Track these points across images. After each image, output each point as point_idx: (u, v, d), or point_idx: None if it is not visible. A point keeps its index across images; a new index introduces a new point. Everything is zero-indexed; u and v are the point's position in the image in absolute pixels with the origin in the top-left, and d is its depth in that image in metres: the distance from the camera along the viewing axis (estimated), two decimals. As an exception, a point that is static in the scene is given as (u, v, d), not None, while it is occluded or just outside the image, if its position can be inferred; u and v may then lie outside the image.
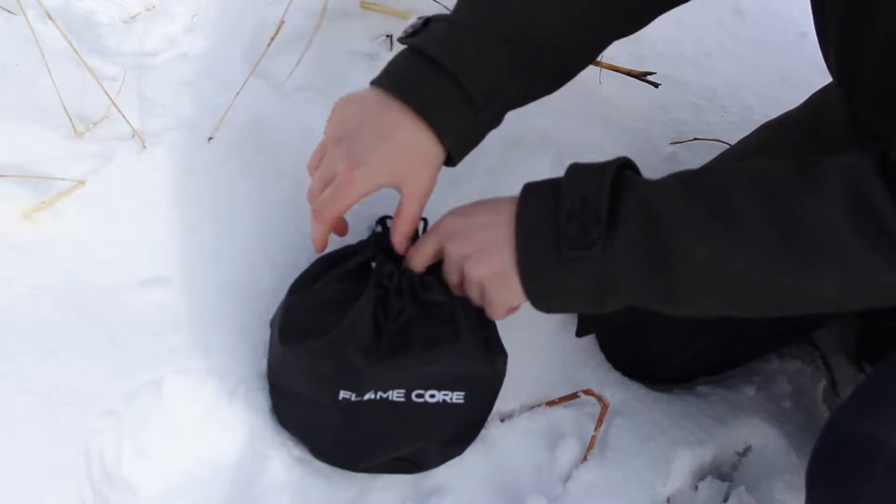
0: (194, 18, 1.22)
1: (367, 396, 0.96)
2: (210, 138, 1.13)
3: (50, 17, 1.10)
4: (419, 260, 0.94)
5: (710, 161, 1.24)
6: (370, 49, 1.34)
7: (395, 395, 0.96)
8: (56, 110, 1.08)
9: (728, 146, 1.32)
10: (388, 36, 1.36)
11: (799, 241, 0.78)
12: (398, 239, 0.95)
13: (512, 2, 0.92)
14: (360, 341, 0.94)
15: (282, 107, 1.20)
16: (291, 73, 1.20)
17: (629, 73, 1.38)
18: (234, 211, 1.12)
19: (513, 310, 0.94)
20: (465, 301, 0.95)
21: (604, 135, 1.37)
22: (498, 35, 0.90)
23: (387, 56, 1.34)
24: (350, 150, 0.90)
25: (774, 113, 1.22)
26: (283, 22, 1.18)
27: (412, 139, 0.90)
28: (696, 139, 1.40)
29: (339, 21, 1.30)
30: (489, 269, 0.89)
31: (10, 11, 1.14)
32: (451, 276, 0.94)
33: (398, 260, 0.96)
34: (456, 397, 0.98)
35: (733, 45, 1.52)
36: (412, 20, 0.94)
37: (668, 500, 1.13)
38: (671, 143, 1.40)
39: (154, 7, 1.24)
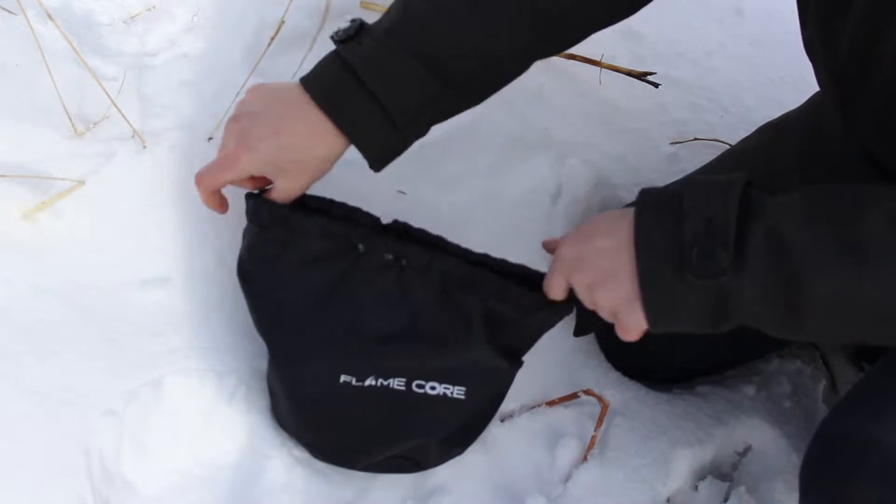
0: (194, 18, 1.22)
1: (367, 382, 0.96)
2: (210, 138, 1.13)
3: (50, 17, 1.10)
4: (556, 294, 0.92)
5: (710, 161, 1.24)
6: (370, 49, 1.34)
7: (396, 382, 0.96)
8: (56, 110, 1.08)
9: (728, 146, 1.32)
10: (388, 36, 1.36)
11: None
12: None
13: (434, 22, 0.94)
14: (367, 324, 0.94)
15: (282, 107, 1.20)
16: (295, 73, 1.20)
17: (629, 73, 1.38)
18: (235, 211, 1.12)
19: (647, 332, 0.89)
20: (490, 312, 0.95)
21: (604, 135, 1.37)
22: (422, 58, 0.92)
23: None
24: (245, 131, 0.94)
25: (774, 113, 1.22)
26: (283, 22, 1.18)
27: (320, 137, 0.93)
28: (696, 139, 1.40)
29: (340, 21, 1.29)
30: (614, 298, 0.85)
31: (10, 11, 1.14)
32: (587, 303, 0.90)
33: (429, 247, 0.96)
34: (457, 392, 0.98)
35: (733, 45, 1.52)
36: (346, 22, 0.95)
37: (668, 500, 1.13)
38: (671, 143, 1.40)
39: (154, 7, 1.24)
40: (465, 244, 1.08)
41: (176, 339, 1.03)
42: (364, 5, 1.32)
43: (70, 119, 1.08)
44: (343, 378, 0.96)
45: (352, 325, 0.95)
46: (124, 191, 1.08)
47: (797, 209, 0.79)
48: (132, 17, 1.23)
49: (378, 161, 0.96)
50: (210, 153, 1.13)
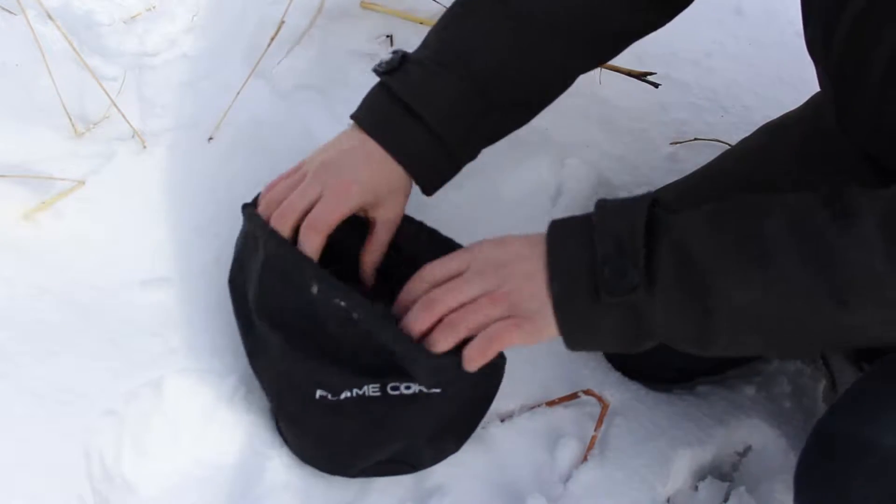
0: (194, 18, 1.23)
1: (343, 395, 0.96)
2: (210, 138, 1.13)
3: (50, 17, 1.10)
4: (440, 273, 0.90)
5: (710, 161, 1.24)
6: (370, 49, 1.34)
7: (371, 390, 0.95)
8: (56, 110, 1.08)
9: (728, 146, 1.32)
10: (388, 36, 1.36)
11: (836, 281, 0.76)
12: (369, 266, 0.98)
13: (472, 43, 0.96)
14: (333, 343, 0.92)
15: (282, 107, 1.20)
16: (279, 62, 1.20)
17: (629, 73, 1.38)
18: (235, 211, 1.12)
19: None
20: None
21: (604, 135, 1.37)
22: (466, 79, 0.94)
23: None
24: (336, 171, 0.94)
25: (774, 113, 1.22)
26: (283, 22, 1.18)
27: (387, 170, 0.95)
28: (696, 139, 1.40)
29: (339, 21, 1.30)
30: (526, 299, 0.85)
31: (10, 11, 1.14)
32: (461, 293, 0.87)
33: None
34: (433, 388, 0.96)
35: (733, 45, 1.52)
36: (388, 54, 0.97)
37: (668, 500, 1.13)
38: (671, 143, 1.40)
39: (154, 7, 1.24)
40: (464, 244, 1.08)
41: (176, 340, 1.03)
42: (364, 5, 1.32)
43: (70, 119, 1.08)
44: (319, 393, 0.95)
45: (319, 345, 0.94)
46: (124, 191, 1.08)
47: (701, 221, 0.80)
48: (132, 17, 1.23)
49: (430, 185, 0.98)
50: (210, 153, 1.13)
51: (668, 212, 0.82)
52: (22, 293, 0.99)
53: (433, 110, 0.94)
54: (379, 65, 0.96)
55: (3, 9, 1.15)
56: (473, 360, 0.85)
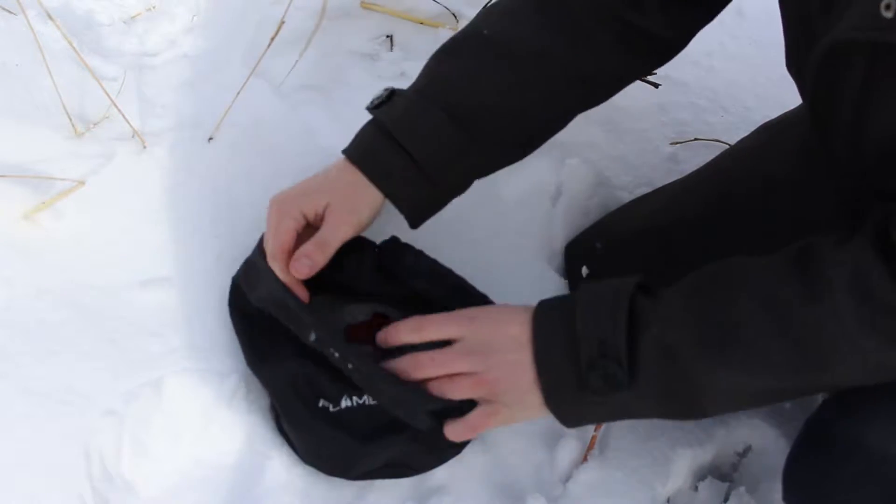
0: (194, 18, 1.23)
1: (343, 404, 0.97)
2: (210, 138, 1.13)
3: (50, 17, 1.10)
4: (434, 334, 0.93)
5: (710, 161, 1.24)
6: (370, 49, 1.34)
7: (370, 398, 0.97)
8: (56, 110, 1.08)
9: (728, 146, 1.32)
10: (388, 36, 1.36)
11: (813, 351, 0.79)
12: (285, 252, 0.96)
13: (459, 77, 0.97)
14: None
15: (282, 107, 1.20)
16: (289, 72, 1.20)
17: (629, 73, 1.38)
18: (235, 211, 1.12)
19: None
20: None
21: (604, 135, 1.37)
22: (449, 111, 0.95)
23: (387, 56, 1.34)
24: (312, 201, 0.96)
25: (774, 113, 1.22)
26: (283, 22, 1.18)
27: (370, 196, 0.96)
28: (696, 139, 1.40)
29: (339, 21, 1.30)
30: (508, 390, 0.89)
31: (10, 11, 1.14)
32: (449, 368, 0.91)
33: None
34: None
35: (733, 45, 1.52)
36: (380, 91, 0.98)
37: (668, 500, 1.13)
38: (671, 143, 1.40)
39: (154, 7, 1.24)
40: (465, 244, 1.08)
41: (176, 339, 1.03)
42: (364, 5, 1.32)
43: (70, 119, 1.08)
44: (322, 403, 0.97)
45: (315, 363, 0.96)
46: (124, 191, 1.08)
47: (679, 308, 0.83)
48: (132, 17, 1.23)
49: (413, 214, 0.99)
50: (210, 153, 1.13)
51: (650, 296, 0.85)
52: (22, 293, 0.99)
53: (416, 140, 0.95)
54: (371, 101, 0.98)
55: (3, 9, 1.15)
56: (454, 437, 0.93)
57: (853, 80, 0.81)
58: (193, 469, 0.99)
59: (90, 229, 1.05)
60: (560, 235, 1.27)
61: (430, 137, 0.95)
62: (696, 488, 1.16)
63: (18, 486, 0.91)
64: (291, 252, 0.95)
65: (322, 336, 0.93)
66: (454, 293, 1.02)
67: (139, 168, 1.10)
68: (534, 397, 0.88)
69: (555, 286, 1.22)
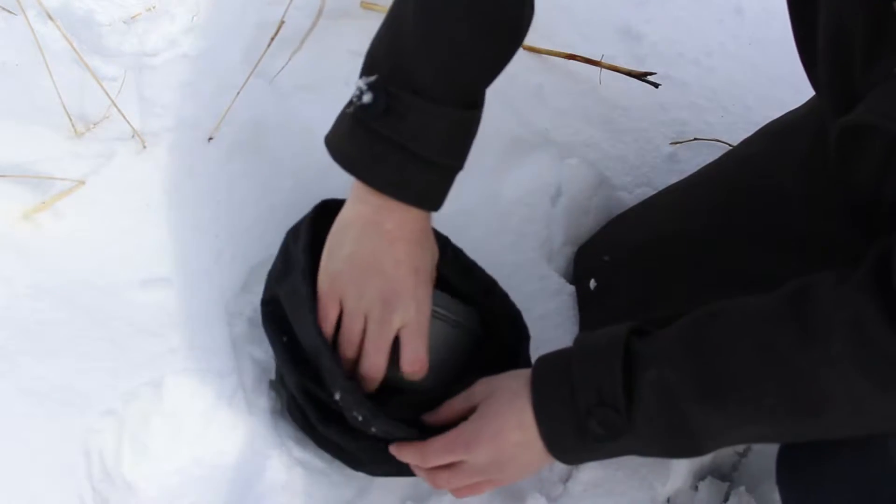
0: (194, 18, 1.22)
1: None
2: (210, 138, 1.13)
3: (50, 17, 1.10)
4: (439, 460, 0.93)
5: (710, 163, 1.24)
6: (370, 49, 1.34)
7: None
8: (56, 110, 1.08)
9: (728, 146, 1.32)
10: (388, 36, 1.35)
11: (807, 397, 0.79)
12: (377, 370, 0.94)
13: (456, 63, 0.89)
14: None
15: (282, 107, 1.20)
16: (280, 71, 1.20)
17: (629, 73, 1.38)
18: (235, 211, 1.12)
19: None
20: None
21: (604, 135, 1.37)
22: (463, 103, 0.89)
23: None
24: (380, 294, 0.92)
25: (774, 113, 1.22)
26: (283, 22, 1.18)
27: (418, 229, 0.93)
28: (696, 139, 1.40)
29: (340, 21, 1.29)
30: (518, 479, 0.95)
31: (10, 11, 1.14)
32: (461, 482, 0.94)
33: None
34: None
35: (733, 45, 1.52)
36: (360, 93, 0.89)
37: (668, 500, 1.13)
38: (671, 143, 1.40)
39: (154, 7, 1.24)
40: (465, 244, 1.08)
41: (176, 340, 1.03)
42: (364, 5, 1.32)
43: (70, 119, 1.08)
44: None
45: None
46: (124, 191, 1.08)
47: (676, 352, 0.84)
48: (132, 17, 1.22)
49: (428, 200, 0.92)
50: (210, 153, 1.13)
51: (645, 340, 0.85)
52: (22, 293, 0.99)
53: (447, 153, 0.90)
54: (362, 108, 0.88)
55: (3, 9, 1.15)
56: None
57: (874, 151, 0.82)
58: (193, 469, 0.99)
59: (90, 229, 1.05)
60: (560, 235, 1.27)
61: (454, 140, 0.90)
62: (696, 488, 1.16)
63: (18, 486, 0.91)
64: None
65: (347, 399, 0.91)
66: (477, 289, 1.05)
67: (139, 168, 1.10)
68: (515, 436, 0.89)
69: (555, 286, 1.22)
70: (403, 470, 1.00)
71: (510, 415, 0.89)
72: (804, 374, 0.78)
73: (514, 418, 0.89)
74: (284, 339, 0.96)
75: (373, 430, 0.92)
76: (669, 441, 0.85)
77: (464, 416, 0.92)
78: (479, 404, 0.92)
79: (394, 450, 0.94)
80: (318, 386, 0.94)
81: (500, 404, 0.90)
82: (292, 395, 1.00)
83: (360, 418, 0.91)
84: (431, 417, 0.95)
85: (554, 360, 0.90)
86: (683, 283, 1.10)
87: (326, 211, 0.98)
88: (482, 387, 0.93)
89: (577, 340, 0.89)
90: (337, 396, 0.92)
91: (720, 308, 0.85)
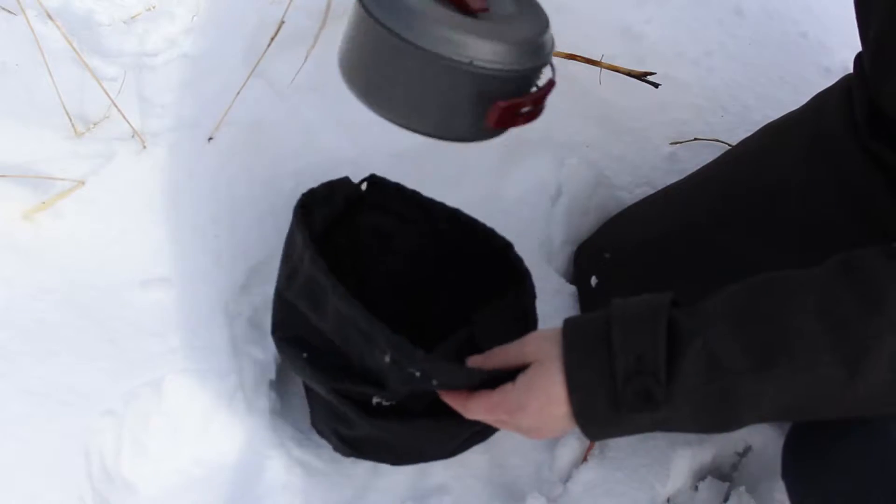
0: (194, 18, 1.22)
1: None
2: (210, 138, 1.13)
3: (50, 17, 1.10)
4: (480, 417, 0.90)
5: (710, 162, 1.24)
6: (370, 49, 1.34)
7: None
8: (56, 110, 1.08)
9: (728, 146, 1.32)
10: (388, 36, 1.35)
11: (869, 368, 0.77)
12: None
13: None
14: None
15: (282, 107, 1.20)
16: (296, 75, 1.20)
17: (629, 73, 1.38)
18: (235, 211, 1.12)
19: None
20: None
21: (604, 135, 1.37)
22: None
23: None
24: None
25: (774, 113, 1.22)
26: (283, 22, 1.18)
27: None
28: (696, 139, 1.40)
29: (341, 21, 1.29)
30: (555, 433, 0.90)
31: (10, 11, 1.14)
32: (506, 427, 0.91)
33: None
34: None
35: (733, 45, 1.52)
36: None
37: (668, 500, 1.13)
38: (671, 144, 1.40)
39: (154, 7, 1.24)
40: (465, 244, 1.08)
41: (176, 340, 1.03)
42: (364, 5, 1.32)
43: (70, 119, 1.08)
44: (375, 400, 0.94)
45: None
46: (124, 191, 1.08)
47: (724, 320, 0.80)
48: (132, 17, 1.23)
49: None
50: (210, 153, 1.13)
51: (686, 310, 0.82)
52: (22, 293, 0.99)
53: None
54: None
55: (3, 9, 1.15)
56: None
57: None
58: (193, 469, 0.99)
59: (90, 229, 1.05)
60: (560, 235, 1.27)
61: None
62: (696, 488, 1.16)
63: (18, 486, 0.91)
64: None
65: (400, 355, 0.86)
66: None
67: (139, 168, 1.10)
68: (560, 410, 0.85)
69: (555, 286, 1.22)
70: (457, 450, 1.00)
71: (561, 388, 0.85)
72: (868, 340, 0.76)
73: (564, 393, 0.85)
74: (304, 355, 0.93)
75: (434, 382, 0.88)
76: (706, 414, 0.81)
77: (511, 371, 0.89)
78: (529, 367, 0.87)
79: (441, 394, 0.91)
80: (353, 383, 0.91)
81: (550, 374, 0.86)
82: (326, 408, 0.97)
83: (417, 374, 0.86)
84: (481, 361, 0.91)
85: (586, 326, 0.86)
86: (685, 277, 1.10)
87: (307, 209, 0.98)
88: (533, 346, 0.89)
89: (613, 307, 0.84)
90: (387, 359, 0.86)
91: (769, 278, 0.82)
